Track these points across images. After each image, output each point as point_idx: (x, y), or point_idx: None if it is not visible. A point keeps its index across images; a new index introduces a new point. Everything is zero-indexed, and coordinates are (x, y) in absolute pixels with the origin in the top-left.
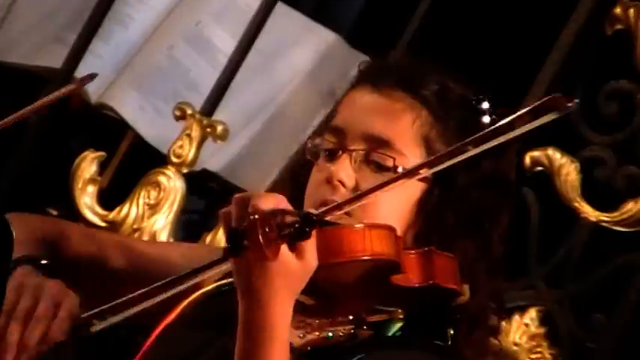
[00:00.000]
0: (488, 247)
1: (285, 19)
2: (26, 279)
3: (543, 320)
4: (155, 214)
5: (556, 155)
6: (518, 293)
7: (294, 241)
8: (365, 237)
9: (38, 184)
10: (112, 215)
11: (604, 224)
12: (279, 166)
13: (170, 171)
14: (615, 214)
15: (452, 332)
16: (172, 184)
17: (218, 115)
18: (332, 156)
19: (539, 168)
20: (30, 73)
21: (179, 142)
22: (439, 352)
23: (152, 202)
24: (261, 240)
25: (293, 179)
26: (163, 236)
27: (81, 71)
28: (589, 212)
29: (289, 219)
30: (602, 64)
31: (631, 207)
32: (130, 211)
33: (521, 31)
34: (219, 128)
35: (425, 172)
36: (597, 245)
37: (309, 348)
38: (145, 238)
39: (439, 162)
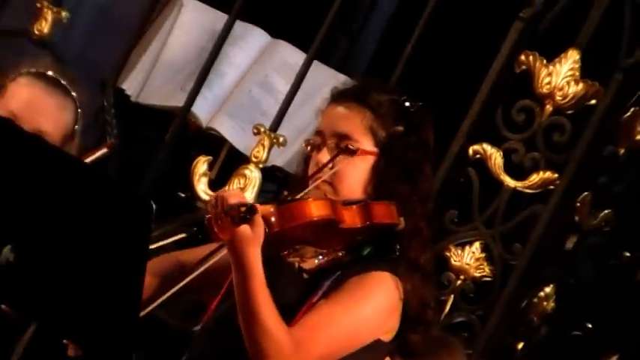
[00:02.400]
0: (417, 187)
1: (319, 71)
2: None
3: (483, 249)
4: (243, 193)
5: (488, 147)
6: (468, 233)
7: (243, 222)
8: (307, 207)
9: (172, 178)
10: (215, 194)
11: (518, 188)
12: None
13: (252, 166)
14: (525, 182)
15: (399, 247)
16: (253, 175)
17: (280, 131)
18: (318, 149)
19: (478, 156)
20: (165, 110)
21: (257, 149)
22: (389, 261)
23: (241, 186)
24: (219, 227)
25: (304, 168)
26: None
27: (193, 109)
28: (509, 182)
29: (244, 210)
30: (514, 90)
31: (534, 177)
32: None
33: (466, 71)
34: (281, 139)
35: (372, 148)
36: (515, 201)
37: (310, 272)
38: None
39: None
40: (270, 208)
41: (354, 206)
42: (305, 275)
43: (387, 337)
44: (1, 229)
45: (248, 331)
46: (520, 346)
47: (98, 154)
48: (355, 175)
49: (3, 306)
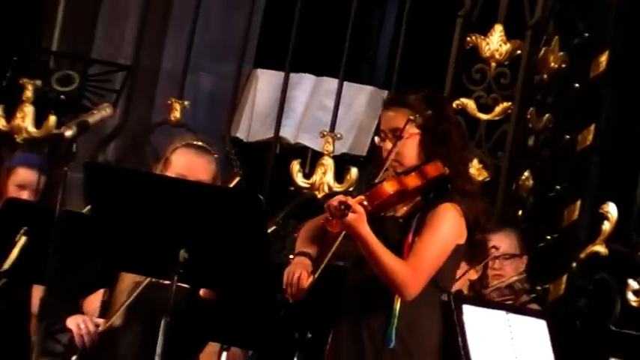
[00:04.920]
0: (449, 146)
1: (352, 88)
2: (292, 266)
3: (480, 162)
4: (324, 177)
5: (463, 99)
6: None
7: (345, 215)
8: (383, 188)
9: (282, 178)
10: (309, 181)
11: (490, 119)
12: (364, 144)
13: (326, 157)
14: (492, 114)
15: (449, 186)
16: (328, 162)
17: (337, 131)
18: (383, 140)
19: (459, 107)
20: (265, 141)
21: (326, 145)
22: (447, 195)
23: (323, 171)
24: (331, 226)
25: (376, 156)
26: (331, 182)
27: (282, 134)
28: (483, 116)
29: (342, 206)
30: (468, 58)
31: (497, 109)
32: (316, 177)
33: (436, 55)
34: (338, 135)
35: (413, 130)
36: (490, 127)
37: (402, 218)
38: (326, 187)
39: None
40: (361, 197)
41: (413, 173)
42: (400, 220)
43: (461, 241)
44: (178, 238)
45: (381, 274)
46: (520, 212)
47: (235, 181)
48: (409, 150)
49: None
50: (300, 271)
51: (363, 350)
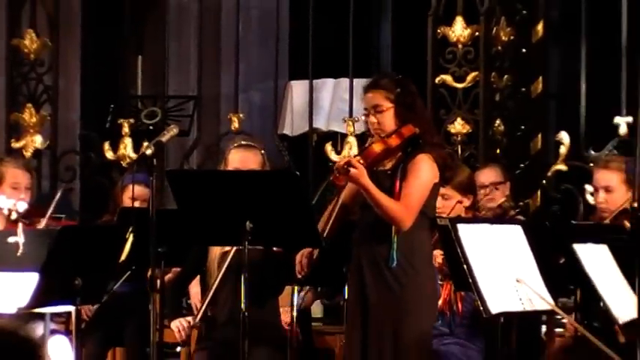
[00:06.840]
0: (416, 111)
1: (361, 81)
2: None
3: (462, 119)
4: (350, 151)
5: (443, 76)
6: (453, 115)
7: (348, 171)
8: (372, 149)
9: (321, 158)
10: (340, 156)
11: (464, 86)
12: None
13: (350, 137)
14: (465, 83)
15: (421, 141)
16: (351, 139)
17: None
18: (368, 116)
19: (441, 81)
20: (305, 133)
21: (348, 127)
22: (420, 148)
23: (349, 147)
24: (337, 180)
25: (367, 126)
26: (354, 153)
27: (316, 126)
28: (458, 85)
29: (346, 165)
30: (441, 45)
31: (470, 78)
32: (345, 152)
33: (417, 44)
34: (356, 119)
35: (390, 105)
36: (466, 92)
37: (390, 170)
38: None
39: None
40: (358, 157)
41: (393, 135)
42: (388, 172)
43: (436, 180)
44: (243, 213)
45: (381, 212)
46: (497, 151)
47: (285, 166)
48: (388, 120)
49: (260, 247)
50: (303, 253)
51: (380, 270)
